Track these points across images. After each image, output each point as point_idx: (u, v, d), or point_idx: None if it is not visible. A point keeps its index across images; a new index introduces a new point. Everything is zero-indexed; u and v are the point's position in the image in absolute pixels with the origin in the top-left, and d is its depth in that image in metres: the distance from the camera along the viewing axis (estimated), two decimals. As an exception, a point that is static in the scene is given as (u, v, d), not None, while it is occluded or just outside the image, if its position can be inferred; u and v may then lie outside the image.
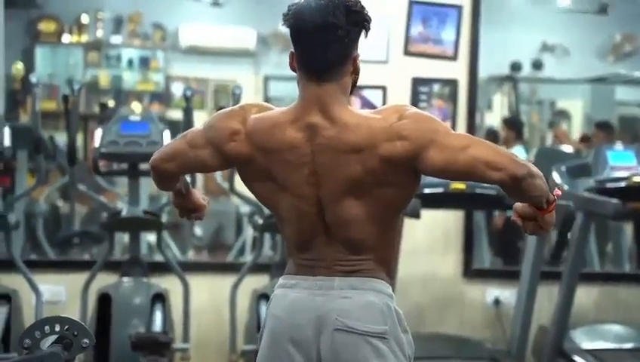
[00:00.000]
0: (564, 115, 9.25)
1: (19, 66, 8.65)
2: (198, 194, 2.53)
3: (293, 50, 2.23)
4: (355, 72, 2.24)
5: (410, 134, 2.15)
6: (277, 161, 2.20)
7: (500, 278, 5.30)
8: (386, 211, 2.22)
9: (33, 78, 4.57)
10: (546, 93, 8.97)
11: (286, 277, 2.29)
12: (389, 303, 2.24)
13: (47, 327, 2.30)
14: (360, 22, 2.19)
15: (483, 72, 7.24)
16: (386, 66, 5.12)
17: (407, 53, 5.13)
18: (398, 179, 2.18)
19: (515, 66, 7.76)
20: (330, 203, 2.20)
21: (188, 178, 2.56)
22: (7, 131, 4.33)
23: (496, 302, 5.21)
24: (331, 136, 2.17)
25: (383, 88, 5.12)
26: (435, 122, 2.20)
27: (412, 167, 2.17)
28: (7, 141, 4.30)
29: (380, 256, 2.25)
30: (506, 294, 5.16)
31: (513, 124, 7.71)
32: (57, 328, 2.30)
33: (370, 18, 2.21)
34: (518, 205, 2.26)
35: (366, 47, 4.93)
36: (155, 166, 2.37)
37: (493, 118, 8.58)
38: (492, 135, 7.78)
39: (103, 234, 5.38)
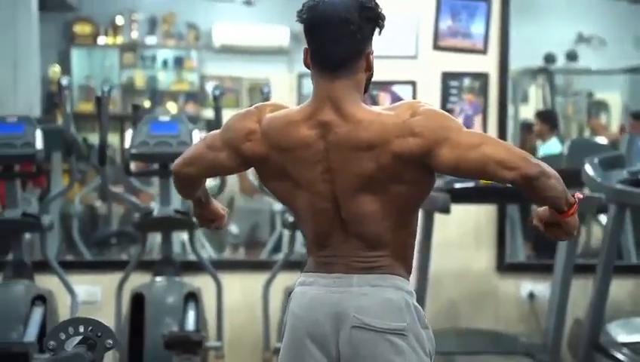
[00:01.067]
0: (602, 106, 9.14)
1: (56, 69, 8.77)
2: (218, 204, 2.55)
3: (307, 46, 2.23)
4: (368, 69, 2.23)
5: (423, 131, 2.14)
6: (292, 159, 2.21)
7: (535, 272, 5.26)
8: (402, 208, 2.22)
9: (64, 81, 4.61)
10: (582, 85, 8.88)
11: (305, 274, 2.30)
12: (408, 299, 2.23)
13: (71, 329, 2.34)
14: (373, 18, 2.19)
15: (516, 65, 7.22)
16: (416, 61, 5.10)
17: (436, 47, 5.11)
18: (411, 176, 2.17)
19: (549, 58, 7.70)
20: (346, 199, 2.20)
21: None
22: (39, 133, 4.37)
23: (531, 295, 5.18)
24: (344, 133, 2.17)
25: (413, 83, 5.11)
26: (449, 119, 2.19)
27: (425, 164, 2.16)
28: (39, 143, 4.34)
29: (397, 252, 2.24)
30: (541, 288, 5.12)
31: (547, 116, 7.65)
32: (81, 329, 2.33)
33: (383, 16, 2.21)
34: (539, 209, 2.24)
35: (395, 42, 5.00)
36: (176, 171, 2.40)
37: (530, 110, 8.53)
38: (526, 128, 7.74)
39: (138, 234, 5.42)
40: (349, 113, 2.17)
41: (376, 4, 2.22)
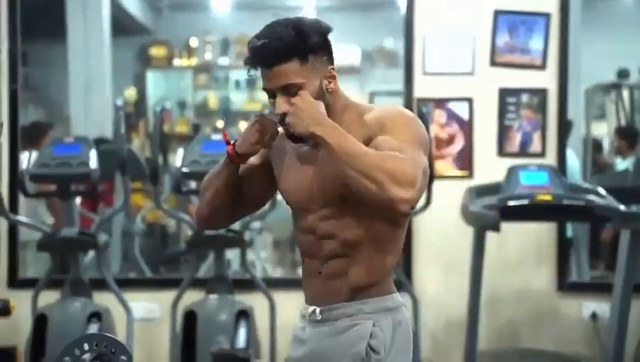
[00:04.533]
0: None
1: (131, 91, 8.98)
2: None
3: (334, 67, 2.23)
4: None
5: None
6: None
7: (597, 291, 5.12)
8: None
9: (119, 102, 4.71)
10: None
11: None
12: None
13: (86, 345, 2.36)
14: None
15: (588, 81, 7.09)
16: (472, 78, 5.06)
17: (493, 63, 5.06)
18: None
19: (623, 73, 7.51)
20: None
21: None
22: (94, 153, 4.46)
23: (593, 316, 5.05)
24: None
25: (469, 100, 5.06)
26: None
27: None
28: (94, 163, 4.43)
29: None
30: (604, 308, 4.98)
31: (626, 133, 7.47)
32: (95, 346, 2.35)
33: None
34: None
35: (451, 58, 4.97)
36: None
37: (606, 127, 8.34)
38: (597, 145, 7.58)
39: (205, 253, 5.47)
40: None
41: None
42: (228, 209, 2.38)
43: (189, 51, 9.33)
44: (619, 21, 9.04)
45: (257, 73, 2.20)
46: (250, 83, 9.35)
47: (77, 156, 4.49)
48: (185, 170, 4.48)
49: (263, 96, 8.23)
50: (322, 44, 2.20)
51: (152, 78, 9.34)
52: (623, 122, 7.66)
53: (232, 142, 2.27)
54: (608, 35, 8.72)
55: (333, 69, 2.22)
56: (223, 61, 9.32)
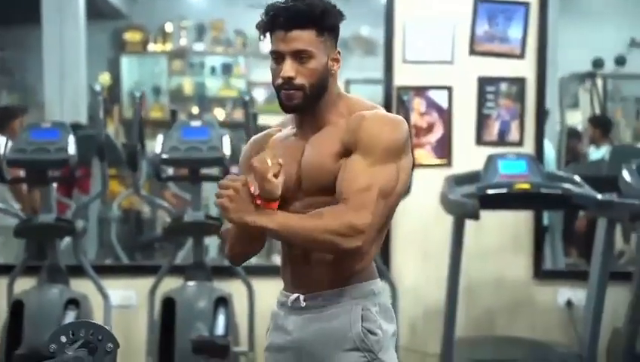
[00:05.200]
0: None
1: (106, 76, 8.91)
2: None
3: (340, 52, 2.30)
4: None
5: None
6: None
7: (573, 279, 5.16)
8: None
9: (97, 87, 4.67)
10: (633, 90, 8.72)
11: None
12: None
13: (72, 332, 2.34)
14: None
15: (564, 70, 7.13)
16: (452, 66, 5.06)
17: (472, 52, 5.06)
18: None
19: (598, 63, 7.57)
20: None
21: None
22: (72, 139, 4.43)
23: (569, 303, 5.09)
24: None
25: (449, 88, 5.06)
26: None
27: None
28: (72, 149, 4.39)
29: None
30: (579, 295, 5.01)
31: (599, 122, 7.54)
32: (82, 333, 2.34)
33: None
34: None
35: (430, 47, 4.97)
36: None
37: (580, 115, 8.41)
38: (573, 134, 7.63)
39: (182, 239, 5.44)
40: None
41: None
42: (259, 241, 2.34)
43: (164, 36, 9.28)
44: (593, 11, 9.11)
45: (267, 38, 2.25)
46: (226, 69, 9.32)
47: (55, 142, 4.44)
48: (164, 156, 4.46)
49: (238, 83, 8.16)
50: (336, 28, 2.28)
51: (127, 63, 9.28)
52: (597, 111, 7.73)
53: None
54: (583, 24, 8.78)
55: (339, 52, 2.29)
56: (199, 47, 9.28)
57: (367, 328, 2.24)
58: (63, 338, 2.36)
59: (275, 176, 2.14)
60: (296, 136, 2.32)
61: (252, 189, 2.15)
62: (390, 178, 2.20)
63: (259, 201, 2.16)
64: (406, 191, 2.50)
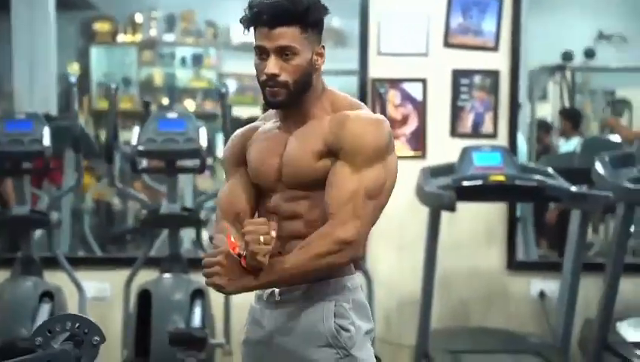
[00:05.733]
0: (625, 104, 9.04)
1: (74, 66, 8.83)
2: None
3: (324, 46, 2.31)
4: None
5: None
6: None
7: (545, 270, 5.21)
8: None
9: (72, 78, 4.64)
10: (601, 83, 8.80)
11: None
12: None
13: (58, 325, 2.33)
14: None
15: (534, 62, 7.17)
16: (426, 59, 5.08)
17: (447, 45, 5.09)
18: None
19: (567, 56, 7.62)
20: None
21: None
22: (47, 130, 4.39)
23: (542, 294, 5.14)
24: None
25: (423, 81, 5.08)
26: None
27: None
28: (47, 140, 4.36)
29: None
30: (552, 287, 5.07)
31: (570, 114, 7.60)
32: (68, 326, 2.33)
33: None
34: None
35: (405, 39, 4.98)
36: None
37: (548, 108, 8.47)
38: (544, 127, 7.69)
39: (156, 231, 5.42)
40: None
41: None
42: None
43: (134, 27, 9.20)
44: (562, 3, 9.16)
45: (250, 33, 2.25)
46: (196, 60, 9.27)
47: (29, 133, 4.41)
48: (141, 148, 4.44)
49: (209, 74, 8.13)
50: (320, 22, 2.26)
51: (96, 54, 9.19)
52: (566, 104, 7.79)
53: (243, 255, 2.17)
54: (551, 17, 8.82)
55: (323, 47, 2.28)
56: (169, 37, 9.22)
57: (339, 324, 2.25)
58: (49, 332, 2.34)
59: (265, 255, 2.12)
60: (279, 130, 2.33)
61: (236, 251, 2.14)
62: (377, 178, 2.22)
63: (244, 262, 2.14)
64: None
